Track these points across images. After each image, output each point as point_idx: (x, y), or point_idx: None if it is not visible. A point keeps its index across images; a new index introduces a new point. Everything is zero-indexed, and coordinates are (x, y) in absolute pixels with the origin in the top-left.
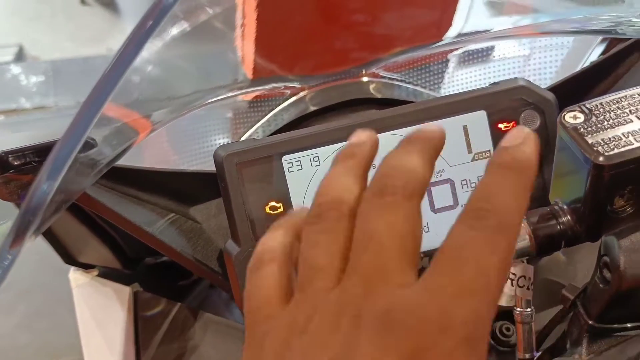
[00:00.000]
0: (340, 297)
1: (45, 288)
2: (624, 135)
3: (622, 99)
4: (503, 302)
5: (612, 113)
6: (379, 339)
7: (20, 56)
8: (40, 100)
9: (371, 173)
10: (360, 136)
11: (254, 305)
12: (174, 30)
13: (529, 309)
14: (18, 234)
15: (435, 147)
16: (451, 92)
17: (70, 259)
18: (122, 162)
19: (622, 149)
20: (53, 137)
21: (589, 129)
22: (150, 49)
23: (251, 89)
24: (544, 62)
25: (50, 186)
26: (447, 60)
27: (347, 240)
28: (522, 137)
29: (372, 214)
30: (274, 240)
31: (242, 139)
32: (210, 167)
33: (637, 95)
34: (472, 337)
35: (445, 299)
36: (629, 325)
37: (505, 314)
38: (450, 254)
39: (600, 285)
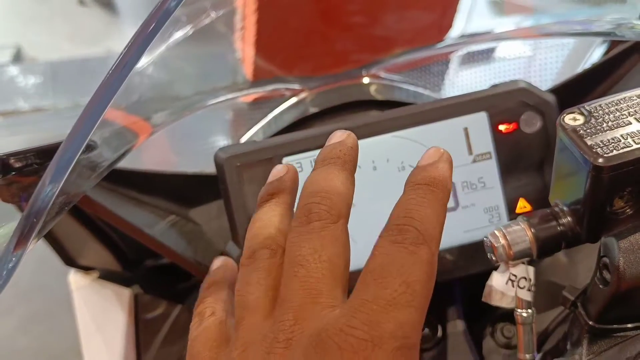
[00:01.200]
0: (273, 326)
1: (45, 290)
2: (623, 137)
3: (621, 101)
4: (505, 303)
5: (611, 115)
6: (313, 358)
7: (18, 57)
8: (38, 102)
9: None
10: (278, 172)
11: (196, 351)
12: (177, 34)
13: (529, 310)
14: (21, 237)
15: (351, 159)
16: (452, 93)
17: (70, 261)
18: (122, 164)
19: (621, 151)
20: (51, 139)
21: (588, 130)
22: (152, 51)
23: (251, 91)
24: (545, 63)
25: (53, 189)
26: (449, 62)
27: (279, 274)
28: (437, 156)
29: (299, 242)
30: (214, 297)
31: (242, 140)
32: (211, 167)
33: (635, 98)
34: (403, 346)
35: (373, 315)
36: (629, 325)
37: (507, 315)
38: (375, 270)
39: (600, 286)
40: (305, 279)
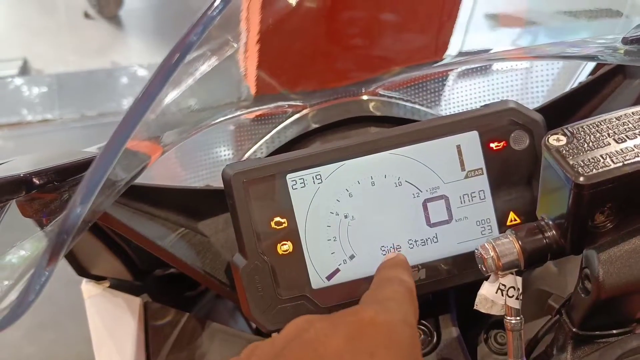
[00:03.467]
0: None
1: (52, 300)
2: (602, 157)
3: (601, 123)
4: (495, 311)
5: (592, 136)
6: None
7: (24, 70)
8: (44, 114)
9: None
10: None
11: None
12: (202, 67)
13: (518, 318)
14: (54, 253)
15: None
16: (448, 109)
17: (83, 271)
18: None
19: (601, 170)
20: (64, 156)
21: (570, 150)
22: (180, 84)
23: (256, 108)
24: (538, 80)
25: (83, 209)
26: (444, 78)
27: None
28: None
29: None
30: None
31: (247, 155)
32: (216, 179)
33: (614, 120)
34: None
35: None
36: (614, 331)
37: (500, 323)
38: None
39: (582, 295)
40: None
